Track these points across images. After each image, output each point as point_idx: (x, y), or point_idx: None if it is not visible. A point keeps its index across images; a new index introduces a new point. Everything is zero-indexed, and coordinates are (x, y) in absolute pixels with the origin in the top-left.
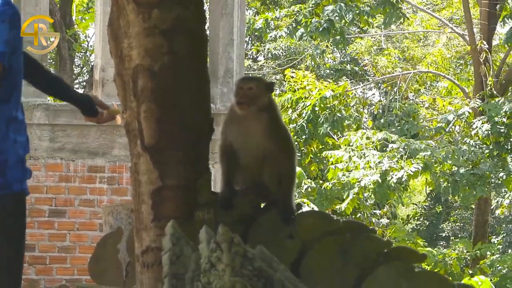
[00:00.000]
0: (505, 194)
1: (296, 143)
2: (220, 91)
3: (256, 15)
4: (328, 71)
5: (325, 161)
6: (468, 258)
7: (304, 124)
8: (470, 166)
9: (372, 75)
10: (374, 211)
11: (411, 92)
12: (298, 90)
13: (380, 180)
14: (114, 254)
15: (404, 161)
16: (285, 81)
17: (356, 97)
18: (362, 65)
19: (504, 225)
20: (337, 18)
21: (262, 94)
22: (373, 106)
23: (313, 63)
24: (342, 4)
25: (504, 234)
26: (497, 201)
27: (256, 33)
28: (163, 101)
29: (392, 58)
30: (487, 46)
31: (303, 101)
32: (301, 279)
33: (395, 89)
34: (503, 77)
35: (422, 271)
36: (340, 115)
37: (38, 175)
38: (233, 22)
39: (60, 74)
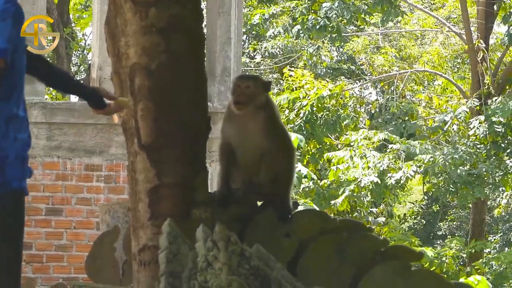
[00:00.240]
0: (502, 193)
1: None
2: (218, 89)
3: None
4: (325, 70)
5: (322, 162)
6: (464, 256)
7: (301, 124)
8: (468, 166)
9: (369, 74)
10: (371, 210)
11: (408, 91)
12: (296, 89)
13: (379, 181)
14: (111, 253)
15: (402, 162)
16: (283, 80)
17: (353, 96)
18: (359, 64)
19: (501, 224)
20: (334, 16)
21: (260, 93)
22: (370, 105)
23: (309, 61)
24: (340, 1)
25: (501, 233)
26: (495, 201)
27: (254, 32)
28: (160, 99)
29: (389, 57)
30: (484, 45)
31: (300, 101)
32: (298, 277)
33: (392, 88)
34: (500, 76)
35: (419, 270)
36: (337, 115)
37: (35, 174)
38: (230, 20)
39: None
